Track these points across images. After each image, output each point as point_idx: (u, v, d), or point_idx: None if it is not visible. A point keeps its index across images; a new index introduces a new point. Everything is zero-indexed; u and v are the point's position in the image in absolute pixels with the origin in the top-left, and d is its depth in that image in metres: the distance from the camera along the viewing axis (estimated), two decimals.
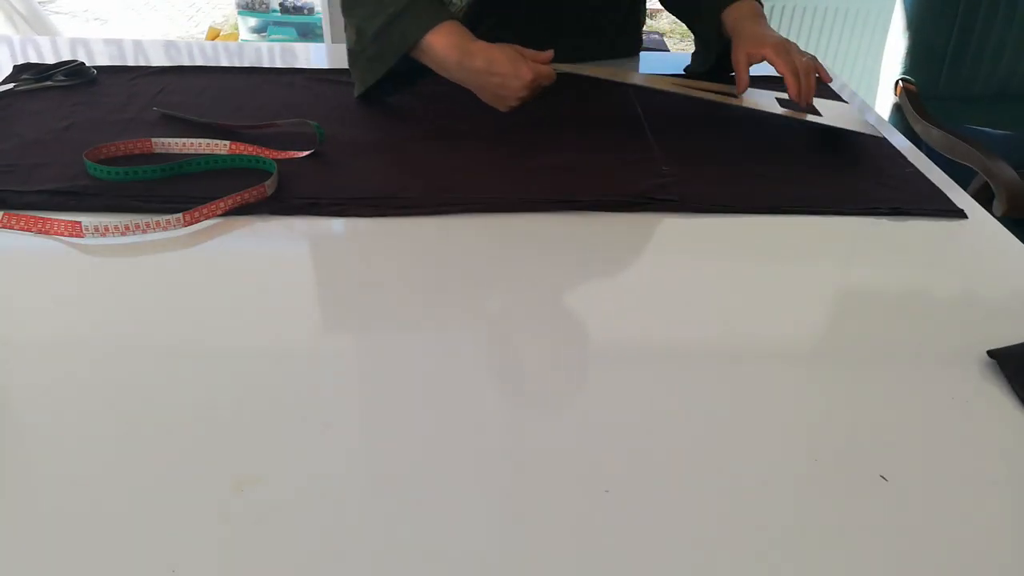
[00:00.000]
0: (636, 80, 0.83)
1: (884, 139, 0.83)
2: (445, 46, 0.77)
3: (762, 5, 0.93)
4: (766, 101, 0.87)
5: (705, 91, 0.85)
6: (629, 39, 1.10)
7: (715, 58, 0.96)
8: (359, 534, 0.39)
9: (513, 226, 0.68)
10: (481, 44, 0.77)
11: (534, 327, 0.55)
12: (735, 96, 0.85)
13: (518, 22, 0.98)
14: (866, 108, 0.99)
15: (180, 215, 0.64)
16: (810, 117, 0.84)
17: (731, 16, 0.91)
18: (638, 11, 1.08)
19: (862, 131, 0.84)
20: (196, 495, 0.40)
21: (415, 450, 0.44)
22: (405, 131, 0.84)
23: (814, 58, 0.86)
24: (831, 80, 0.87)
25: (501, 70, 0.76)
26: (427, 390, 0.49)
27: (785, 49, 0.83)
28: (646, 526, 0.40)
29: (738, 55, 0.85)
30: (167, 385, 0.48)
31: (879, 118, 0.96)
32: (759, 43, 0.84)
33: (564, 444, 0.45)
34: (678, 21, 1.09)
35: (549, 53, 0.79)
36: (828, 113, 0.86)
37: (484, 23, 0.93)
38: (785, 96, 0.87)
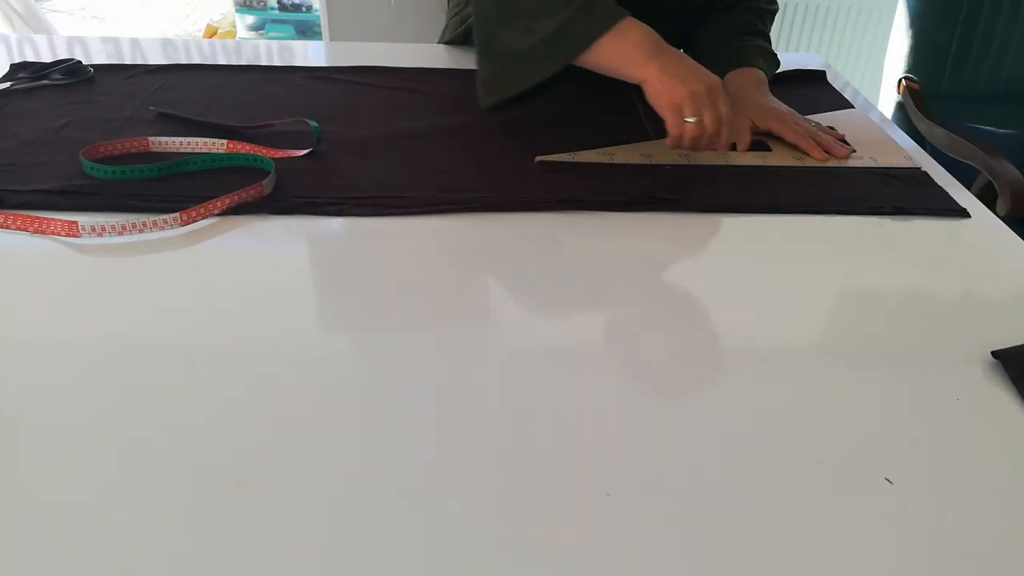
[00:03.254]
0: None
1: (920, 169, 0.80)
2: (637, 38, 0.72)
3: (767, 72, 0.91)
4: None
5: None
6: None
7: None
8: (359, 536, 0.38)
9: (513, 226, 0.67)
10: None
11: (534, 327, 0.55)
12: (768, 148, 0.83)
13: None
14: (869, 107, 0.98)
15: (177, 214, 0.63)
16: (851, 160, 0.81)
17: (732, 82, 0.88)
18: None
19: (901, 165, 0.81)
20: (195, 496, 0.40)
21: (415, 451, 0.44)
22: (405, 130, 0.83)
23: (818, 124, 0.85)
24: (843, 136, 0.86)
25: (691, 65, 0.72)
26: (427, 391, 0.48)
27: (792, 119, 0.83)
28: (648, 529, 0.40)
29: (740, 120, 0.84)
30: (164, 385, 0.48)
31: (883, 117, 0.96)
32: (764, 116, 0.83)
33: (566, 446, 0.45)
34: None
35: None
36: (861, 145, 0.84)
37: None
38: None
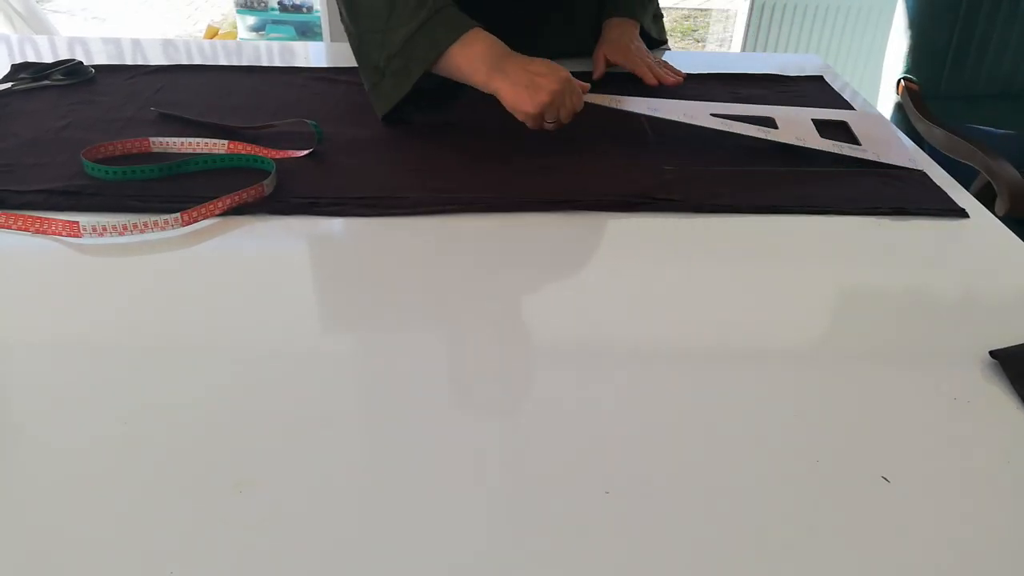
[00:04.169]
0: (659, 112, 0.83)
1: (922, 172, 0.80)
2: (482, 49, 0.75)
3: (642, 14, 1.02)
4: (805, 126, 0.86)
5: (728, 117, 0.85)
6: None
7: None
8: (359, 535, 0.39)
9: (513, 226, 0.67)
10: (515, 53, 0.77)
11: (535, 327, 0.55)
12: (773, 126, 0.84)
13: (492, 19, 0.98)
14: (868, 108, 0.98)
15: (178, 215, 0.63)
16: (851, 149, 0.82)
17: (607, 28, 1.01)
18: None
19: (903, 164, 0.81)
20: (194, 496, 0.40)
21: (415, 450, 0.44)
22: (404, 131, 0.83)
23: (663, 62, 0.99)
24: (683, 75, 0.98)
25: (538, 69, 0.75)
26: (427, 390, 0.49)
27: (639, 55, 0.96)
28: (646, 527, 0.40)
29: (598, 54, 0.98)
30: (165, 385, 0.48)
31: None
32: (615, 51, 0.97)
33: (564, 445, 0.45)
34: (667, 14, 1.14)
35: (586, 84, 0.79)
36: (868, 141, 0.84)
37: None
38: (819, 117, 0.88)
